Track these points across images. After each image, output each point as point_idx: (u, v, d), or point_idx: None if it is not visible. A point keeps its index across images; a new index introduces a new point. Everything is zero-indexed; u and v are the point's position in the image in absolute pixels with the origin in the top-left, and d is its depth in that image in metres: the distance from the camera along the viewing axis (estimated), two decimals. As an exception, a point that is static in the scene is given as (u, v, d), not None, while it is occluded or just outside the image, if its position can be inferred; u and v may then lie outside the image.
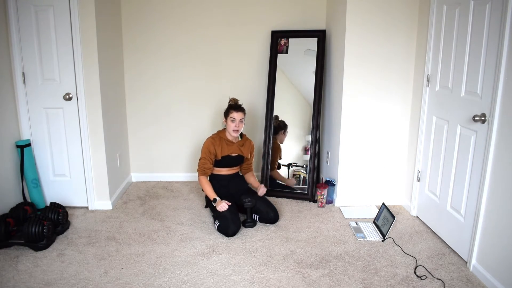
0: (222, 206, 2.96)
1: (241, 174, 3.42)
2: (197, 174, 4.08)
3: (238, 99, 3.25)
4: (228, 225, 2.89)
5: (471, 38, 2.49)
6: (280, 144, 3.71)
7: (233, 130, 3.10)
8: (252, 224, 3.06)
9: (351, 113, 3.31)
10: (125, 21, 3.76)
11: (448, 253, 2.71)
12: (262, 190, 3.24)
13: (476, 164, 2.45)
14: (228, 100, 3.25)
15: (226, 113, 3.14)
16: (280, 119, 3.70)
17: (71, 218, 3.21)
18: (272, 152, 3.70)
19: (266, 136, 3.70)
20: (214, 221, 3.02)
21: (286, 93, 3.69)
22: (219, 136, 3.19)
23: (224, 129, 3.21)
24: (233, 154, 3.20)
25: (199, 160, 3.18)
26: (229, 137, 3.17)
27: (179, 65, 3.87)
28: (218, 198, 3.03)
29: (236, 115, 3.09)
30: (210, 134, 3.99)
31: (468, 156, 2.53)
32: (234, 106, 3.13)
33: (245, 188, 3.29)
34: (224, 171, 3.22)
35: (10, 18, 3.00)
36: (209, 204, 3.21)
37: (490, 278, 2.31)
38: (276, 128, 3.70)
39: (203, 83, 3.92)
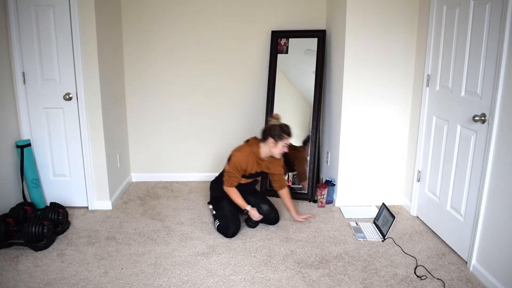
0: (255, 215, 2.96)
1: (275, 189, 3.22)
2: (197, 174, 4.10)
3: (281, 116, 3.04)
4: (228, 226, 2.88)
5: (471, 38, 2.49)
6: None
7: (279, 153, 2.92)
8: (254, 225, 3.06)
9: (351, 113, 3.31)
10: (125, 20, 3.76)
11: (448, 253, 2.71)
12: (302, 218, 3.12)
13: (476, 164, 2.45)
14: (271, 118, 2.98)
15: (278, 136, 2.85)
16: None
17: (71, 218, 3.21)
18: (302, 162, 3.62)
19: (266, 136, 3.70)
20: (214, 221, 3.02)
21: (286, 93, 3.69)
22: (252, 151, 2.95)
23: (257, 144, 2.96)
24: (259, 171, 3.07)
25: (226, 172, 2.97)
26: (263, 155, 2.96)
27: (179, 66, 3.87)
28: (249, 207, 2.98)
29: (289, 140, 2.91)
30: (210, 134, 4.04)
31: (468, 156, 2.53)
32: (288, 132, 2.89)
33: (251, 189, 3.22)
34: (242, 180, 3.08)
35: (10, 18, 3.00)
36: (213, 201, 3.17)
37: (490, 278, 2.31)
38: (306, 140, 3.60)
39: (203, 83, 3.92)
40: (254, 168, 3.00)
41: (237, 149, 2.99)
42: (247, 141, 3.05)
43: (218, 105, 3.97)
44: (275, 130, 2.87)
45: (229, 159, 2.98)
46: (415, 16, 3.16)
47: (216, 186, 3.19)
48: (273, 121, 2.95)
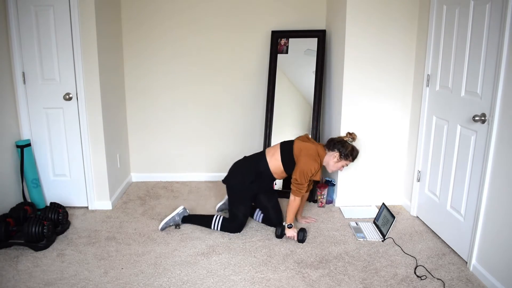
0: (293, 235, 2.84)
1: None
2: (197, 174, 4.10)
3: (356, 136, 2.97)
4: (235, 227, 2.91)
5: (471, 38, 2.49)
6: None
7: (334, 170, 2.90)
8: (281, 236, 2.91)
9: (351, 113, 3.31)
10: (125, 20, 3.76)
11: (448, 253, 2.71)
12: (305, 221, 3.10)
13: (476, 164, 2.45)
14: (349, 134, 2.91)
15: (346, 156, 2.82)
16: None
17: (71, 218, 3.21)
18: None
19: (266, 136, 3.70)
20: (216, 218, 3.00)
21: (286, 93, 3.70)
22: (318, 154, 2.83)
23: (323, 149, 2.87)
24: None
25: (295, 181, 2.79)
26: (323, 162, 2.90)
27: (179, 65, 3.87)
28: (292, 225, 2.87)
29: (349, 164, 2.94)
30: (210, 134, 4.04)
31: (468, 156, 2.53)
32: (355, 157, 2.89)
33: (269, 188, 3.11)
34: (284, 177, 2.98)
35: (10, 18, 3.00)
36: (232, 190, 2.95)
37: (490, 278, 2.31)
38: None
39: (203, 83, 3.92)
40: (317, 176, 2.84)
41: (306, 152, 2.81)
42: (308, 138, 2.93)
43: (217, 105, 3.97)
44: (347, 148, 2.82)
45: (285, 154, 2.83)
46: (415, 16, 3.16)
47: (247, 173, 2.92)
48: (348, 139, 2.88)
